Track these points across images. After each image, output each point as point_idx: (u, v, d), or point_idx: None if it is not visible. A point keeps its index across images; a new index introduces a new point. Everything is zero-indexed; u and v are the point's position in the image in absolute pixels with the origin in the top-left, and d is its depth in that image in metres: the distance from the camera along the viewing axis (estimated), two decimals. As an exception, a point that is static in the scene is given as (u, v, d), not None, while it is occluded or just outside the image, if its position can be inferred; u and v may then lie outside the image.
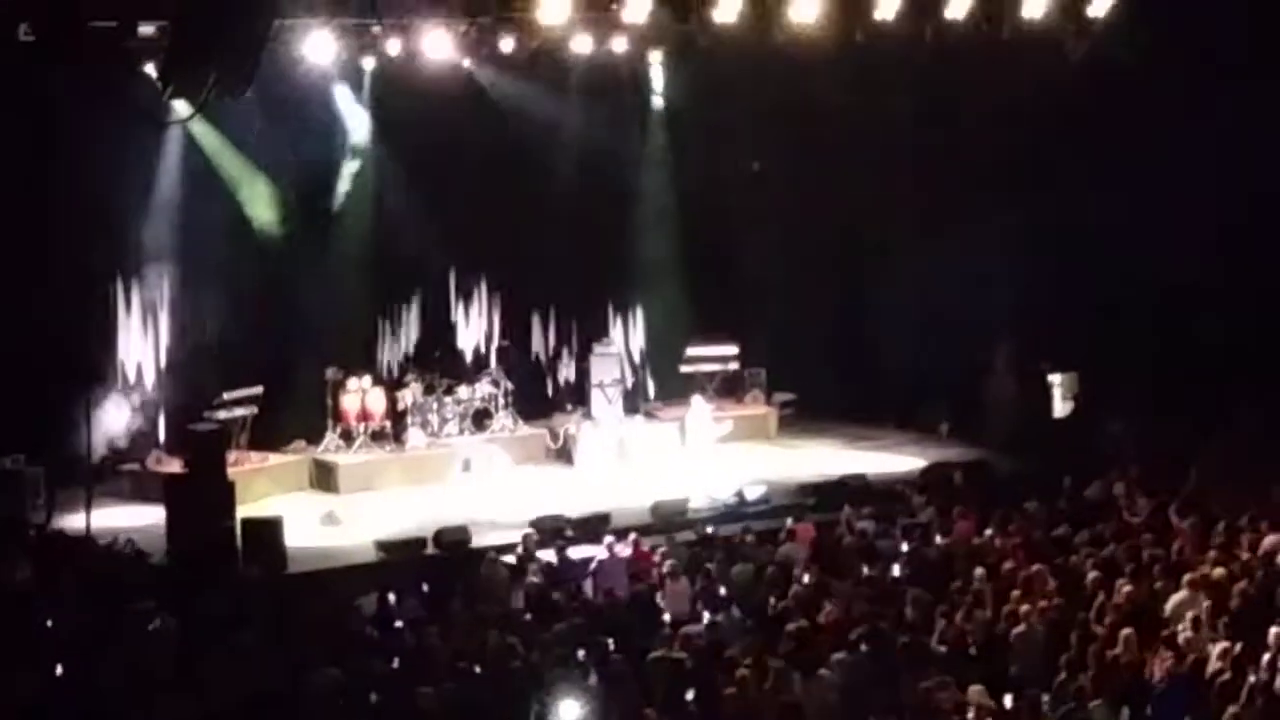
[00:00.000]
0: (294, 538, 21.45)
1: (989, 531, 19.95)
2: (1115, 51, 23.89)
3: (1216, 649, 15.34)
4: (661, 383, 28.73)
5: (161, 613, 17.42)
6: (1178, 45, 23.71)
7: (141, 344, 25.33)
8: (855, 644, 15.89)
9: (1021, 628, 16.21)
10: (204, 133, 24.80)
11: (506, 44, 24.56)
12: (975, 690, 14.23)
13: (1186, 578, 17.12)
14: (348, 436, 25.54)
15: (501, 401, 26.72)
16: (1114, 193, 24.73)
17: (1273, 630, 15.42)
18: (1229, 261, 24.48)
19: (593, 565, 19.63)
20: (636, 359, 28.71)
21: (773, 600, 17.65)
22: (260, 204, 25.83)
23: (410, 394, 25.90)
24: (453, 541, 21.60)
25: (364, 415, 25.57)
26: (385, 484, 25.02)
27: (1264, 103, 23.39)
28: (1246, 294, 24.54)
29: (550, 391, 28.47)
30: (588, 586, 19.16)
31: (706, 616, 17.70)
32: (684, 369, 28.42)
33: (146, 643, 16.83)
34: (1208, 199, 24.09)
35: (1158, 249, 24.33)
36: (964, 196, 25.92)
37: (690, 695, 14.93)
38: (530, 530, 21.41)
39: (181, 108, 21.67)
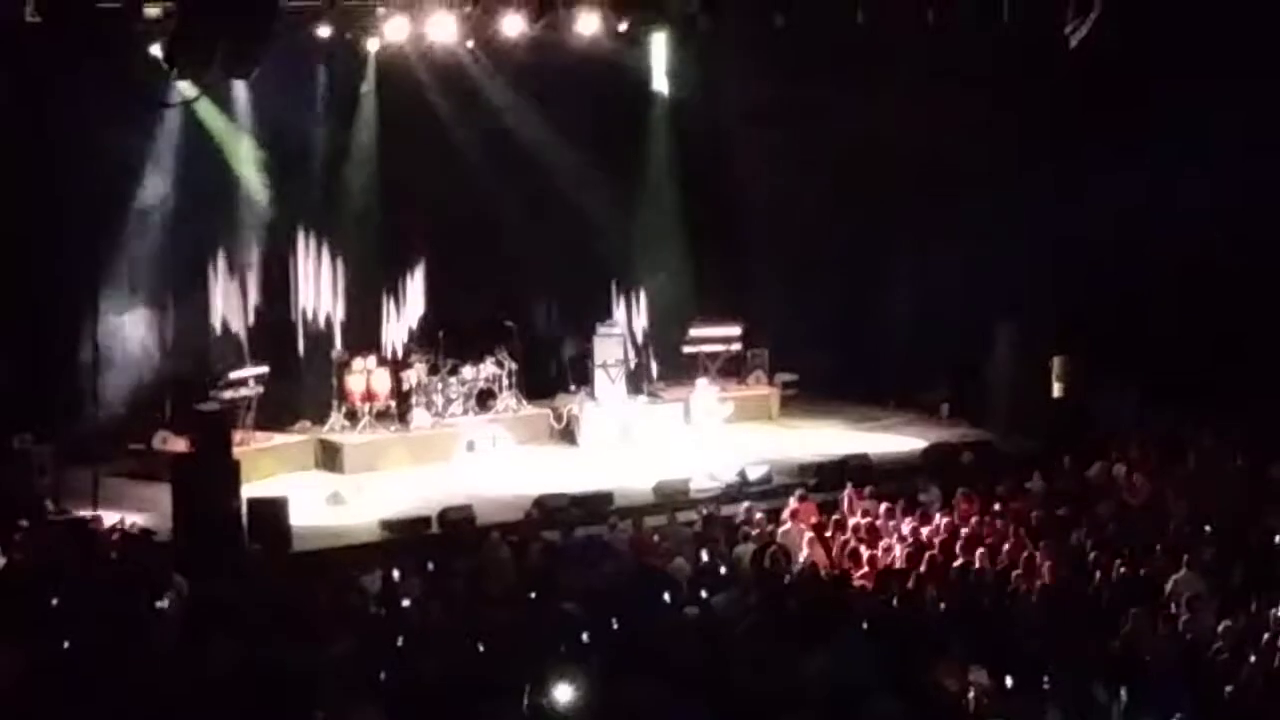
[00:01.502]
0: (299, 517, 21.54)
1: (992, 510, 20.05)
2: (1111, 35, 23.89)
3: (1216, 628, 15.44)
4: (665, 363, 28.79)
5: (168, 591, 17.56)
6: (1175, 29, 23.79)
7: (149, 322, 25.39)
8: (856, 623, 15.98)
9: (1022, 607, 16.29)
10: (206, 109, 24.82)
11: (510, 25, 24.61)
12: (975, 670, 14.31)
13: (1185, 557, 17.24)
14: (353, 416, 25.61)
15: (505, 382, 26.81)
16: (1115, 173, 24.74)
17: (1273, 611, 15.55)
18: (1231, 244, 24.50)
19: (595, 545, 19.70)
20: (640, 340, 28.74)
21: (774, 580, 17.74)
22: (252, 170, 25.81)
23: (415, 374, 25.98)
24: (457, 521, 21.69)
25: (369, 395, 25.64)
26: (390, 464, 25.10)
27: (1267, 81, 23.45)
28: (1247, 277, 24.55)
29: (554, 372, 28.52)
30: (590, 566, 19.22)
31: (708, 596, 17.76)
32: (687, 350, 28.48)
33: (153, 620, 16.94)
34: (1210, 178, 24.12)
35: (1159, 231, 24.37)
36: (965, 177, 25.93)
37: (693, 675, 15.00)
38: (534, 509, 21.48)
39: (186, 88, 21.81)
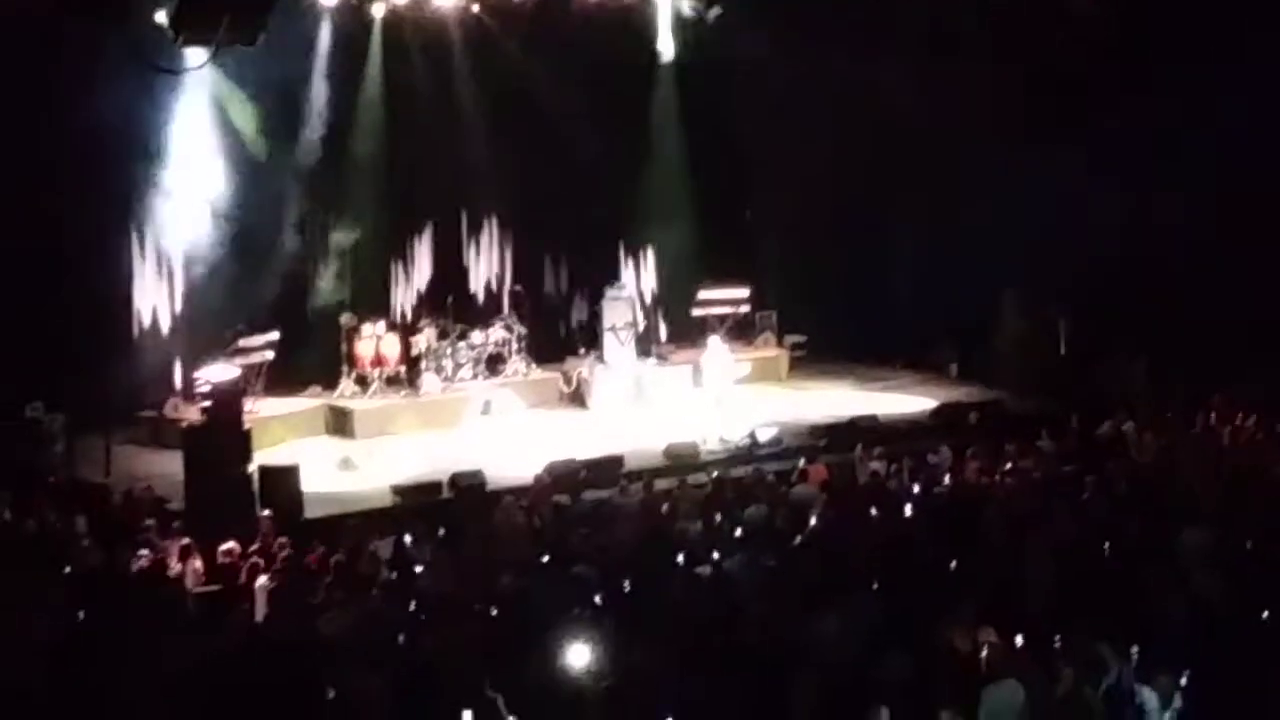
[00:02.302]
0: (310, 483, 21.56)
1: (1003, 469, 20.07)
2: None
3: (1226, 587, 15.45)
4: (673, 326, 28.81)
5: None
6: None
7: (159, 289, 25.39)
8: (867, 584, 16.01)
9: (1032, 567, 16.30)
10: (213, 75, 24.75)
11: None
12: (985, 630, 14.33)
13: (1195, 515, 17.25)
14: (363, 382, 25.69)
15: (514, 346, 26.84)
16: (1128, 136, 24.68)
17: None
18: (1243, 208, 24.44)
19: (606, 508, 19.75)
20: (648, 302, 28.77)
21: (785, 541, 17.77)
22: (257, 134, 25.78)
23: (424, 339, 26.03)
24: (468, 485, 21.73)
25: (379, 361, 25.72)
26: (400, 429, 25.19)
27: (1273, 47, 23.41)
28: (1260, 241, 24.51)
29: (563, 335, 28.56)
30: (601, 529, 19.26)
31: (720, 558, 17.79)
32: (695, 312, 28.52)
33: (166, 587, 17.02)
34: (1216, 142, 24.08)
35: (1172, 192, 24.34)
36: (974, 137, 25.90)
37: (705, 637, 15.04)
38: (544, 474, 21.55)
39: (193, 56, 21.74)
